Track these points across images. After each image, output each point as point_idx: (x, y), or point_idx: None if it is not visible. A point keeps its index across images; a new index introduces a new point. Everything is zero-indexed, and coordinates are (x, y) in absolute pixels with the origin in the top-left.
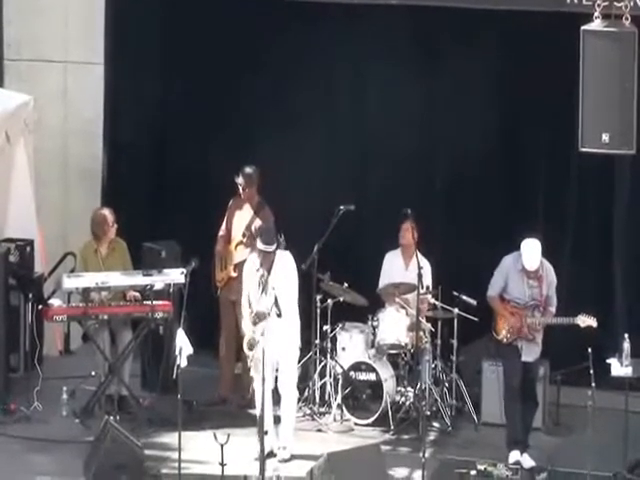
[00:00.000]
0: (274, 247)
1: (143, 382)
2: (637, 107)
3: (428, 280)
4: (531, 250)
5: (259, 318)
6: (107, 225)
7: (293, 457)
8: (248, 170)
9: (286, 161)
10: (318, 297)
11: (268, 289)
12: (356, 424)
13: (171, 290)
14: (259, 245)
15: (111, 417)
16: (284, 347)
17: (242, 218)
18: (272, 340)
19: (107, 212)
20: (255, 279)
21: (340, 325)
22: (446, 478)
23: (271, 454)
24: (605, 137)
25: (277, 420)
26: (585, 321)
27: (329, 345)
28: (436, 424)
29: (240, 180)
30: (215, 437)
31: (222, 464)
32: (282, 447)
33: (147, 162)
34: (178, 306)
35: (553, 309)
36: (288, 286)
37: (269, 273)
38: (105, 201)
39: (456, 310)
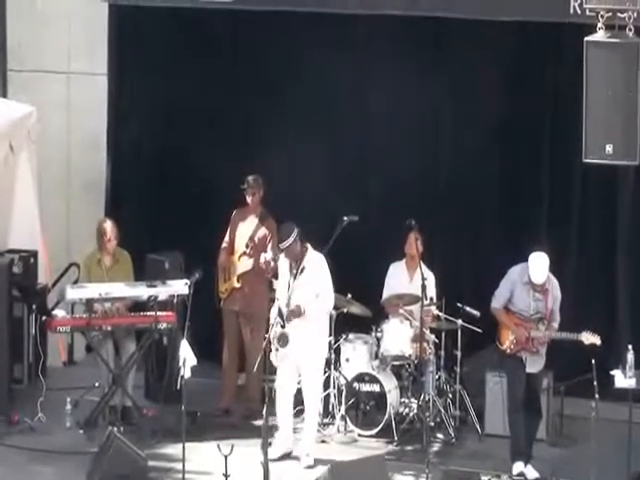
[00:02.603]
0: (289, 242)
1: (147, 393)
2: None
3: (432, 291)
4: (539, 264)
5: (294, 315)
6: (105, 238)
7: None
8: (253, 176)
9: (289, 172)
10: None
11: (299, 286)
12: (360, 435)
13: (175, 301)
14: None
15: (115, 428)
16: (307, 352)
17: (245, 229)
18: (295, 345)
19: (108, 226)
20: (285, 277)
21: (344, 336)
22: None
23: (287, 455)
24: (609, 148)
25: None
26: (589, 338)
27: (333, 356)
28: (440, 435)
29: (247, 186)
30: (219, 448)
31: (226, 475)
32: (306, 454)
33: (150, 173)
34: (182, 317)
35: (556, 325)
36: (321, 285)
37: (300, 272)
38: (108, 212)
39: (460, 321)
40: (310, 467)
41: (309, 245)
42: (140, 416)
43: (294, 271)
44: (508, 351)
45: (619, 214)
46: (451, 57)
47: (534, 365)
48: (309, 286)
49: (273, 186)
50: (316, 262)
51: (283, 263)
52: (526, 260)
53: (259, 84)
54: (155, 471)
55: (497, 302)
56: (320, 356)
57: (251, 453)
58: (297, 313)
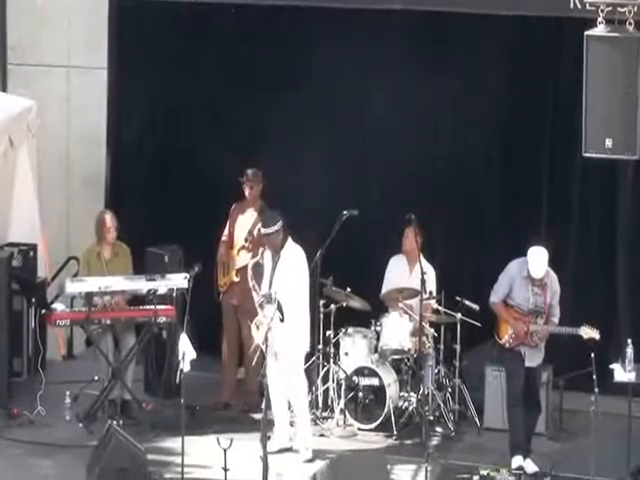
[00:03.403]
0: (272, 229)
1: (146, 387)
2: None
3: (432, 285)
4: (538, 258)
5: (266, 300)
6: (105, 228)
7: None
8: (253, 169)
9: (289, 166)
10: (321, 302)
11: (275, 277)
12: (359, 429)
13: (174, 295)
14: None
15: (114, 422)
16: (284, 345)
17: (245, 223)
18: (276, 339)
19: (107, 215)
20: (268, 268)
21: (343, 330)
22: None
23: (286, 449)
24: (608, 142)
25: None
26: (588, 332)
27: (332, 350)
28: (439, 429)
29: (246, 179)
30: (218, 442)
31: (225, 469)
32: (305, 447)
33: (150, 167)
34: (181, 311)
35: (556, 319)
36: (295, 279)
37: (278, 262)
38: (108, 206)
39: (459, 315)
40: (309, 461)
41: (290, 237)
42: (139, 410)
43: (273, 262)
44: (507, 345)
45: (619, 209)
46: (450, 52)
47: (533, 359)
48: (284, 277)
49: (274, 181)
50: (292, 254)
51: (267, 254)
52: (525, 255)
53: (260, 80)
54: (154, 465)
55: (496, 296)
56: (297, 348)
57: (250, 447)
58: (269, 298)
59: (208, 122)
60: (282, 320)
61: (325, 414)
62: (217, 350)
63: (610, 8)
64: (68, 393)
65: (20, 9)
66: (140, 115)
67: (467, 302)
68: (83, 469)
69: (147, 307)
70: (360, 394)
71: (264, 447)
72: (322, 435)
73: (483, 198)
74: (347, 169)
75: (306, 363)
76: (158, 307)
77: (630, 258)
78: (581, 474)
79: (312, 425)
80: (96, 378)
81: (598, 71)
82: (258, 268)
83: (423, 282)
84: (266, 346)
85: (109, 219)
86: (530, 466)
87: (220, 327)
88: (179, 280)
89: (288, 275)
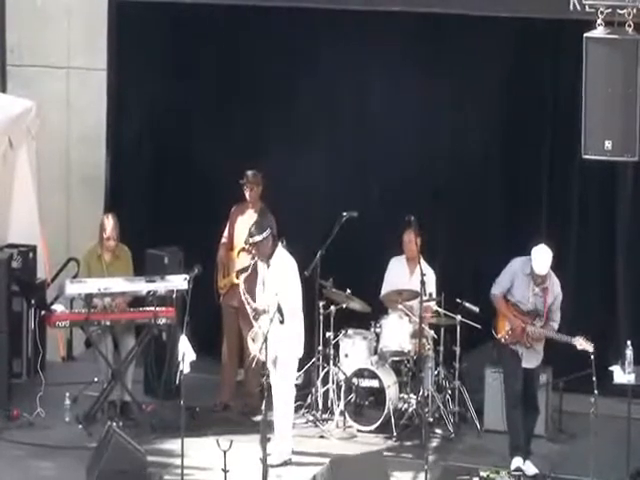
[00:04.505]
0: (260, 237)
1: (146, 388)
2: None
3: (432, 287)
4: (542, 255)
5: (257, 314)
6: (104, 236)
7: (294, 464)
8: (252, 171)
9: (289, 168)
10: (321, 304)
11: (266, 286)
12: (359, 431)
13: (174, 296)
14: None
15: (114, 423)
16: (280, 351)
17: (245, 225)
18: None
19: (109, 224)
20: (262, 274)
21: (343, 332)
22: None
23: (288, 462)
24: (608, 144)
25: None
26: (582, 344)
27: (332, 352)
28: (439, 431)
29: (246, 181)
30: (218, 443)
31: (225, 470)
32: (278, 451)
33: (150, 168)
34: (181, 312)
35: (555, 325)
36: (286, 287)
37: (268, 270)
38: (108, 207)
39: (459, 317)
40: (275, 466)
41: (280, 244)
42: (139, 411)
43: (265, 269)
44: (503, 341)
45: (619, 210)
46: (450, 52)
47: (531, 360)
48: (275, 285)
49: (273, 182)
50: (281, 261)
51: (261, 263)
52: (526, 255)
53: (260, 81)
54: (154, 466)
55: (497, 289)
56: (290, 354)
57: (250, 448)
58: (259, 311)
59: (208, 123)
60: (282, 322)
61: (325, 416)
62: (217, 352)
63: (609, 10)
64: (68, 395)
65: (20, 9)
66: (140, 116)
67: (467, 304)
68: (83, 471)
69: (147, 309)
70: (360, 396)
71: (264, 449)
72: (322, 437)
73: (483, 198)
74: (347, 169)
75: (306, 365)
76: (158, 309)
77: (630, 259)
78: (580, 476)
79: (312, 427)
80: (96, 380)
81: (597, 73)
82: (250, 281)
83: (422, 284)
84: (266, 349)
85: (110, 229)
86: (530, 468)
87: (220, 329)
88: (179, 282)
89: (279, 283)
